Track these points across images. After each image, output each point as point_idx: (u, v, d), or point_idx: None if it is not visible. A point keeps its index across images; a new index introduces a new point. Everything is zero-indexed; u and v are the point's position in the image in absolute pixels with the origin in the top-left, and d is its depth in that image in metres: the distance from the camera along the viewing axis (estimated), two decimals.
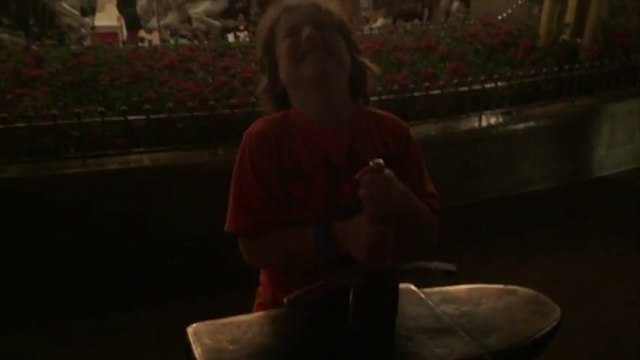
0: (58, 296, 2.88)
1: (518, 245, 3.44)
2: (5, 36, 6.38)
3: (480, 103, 4.01)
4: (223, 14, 7.83)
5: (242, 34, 7.85)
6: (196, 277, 3.04)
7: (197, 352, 1.10)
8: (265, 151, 1.32)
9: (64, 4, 7.17)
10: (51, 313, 2.76)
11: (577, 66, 4.36)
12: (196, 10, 7.55)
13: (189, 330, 1.16)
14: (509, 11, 7.16)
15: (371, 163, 1.14)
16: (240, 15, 8.08)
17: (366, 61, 1.46)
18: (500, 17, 6.85)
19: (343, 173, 1.27)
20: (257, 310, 1.41)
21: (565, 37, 4.85)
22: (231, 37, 7.49)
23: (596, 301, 2.88)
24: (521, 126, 4.13)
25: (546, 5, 5.08)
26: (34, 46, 4.88)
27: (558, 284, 2.95)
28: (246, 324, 1.19)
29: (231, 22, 7.97)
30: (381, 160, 1.15)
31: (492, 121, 4.08)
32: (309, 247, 1.26)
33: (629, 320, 2.71)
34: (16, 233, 3.03)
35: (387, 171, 1.17)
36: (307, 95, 1.37)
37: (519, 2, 7.32)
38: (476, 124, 4.01)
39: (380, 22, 8.58)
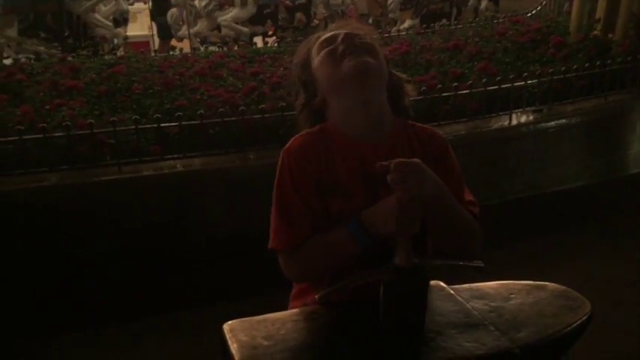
0: (97, 301, 2.96)
1: (551, 244, 3.41)
2: (41, 49, 6.56)
3: (510, 101, 3.98)
4: (251, 20, 7.91)
5: (270, 40, 7.92)
6: (232, 279, 3.09)
7: (233, 347, 1.14)
8: (304, 167, 1.35)
9: (97, 16, 7.32)
10: (92, 318, 2.84)
11: (609, 62, 4.31)
12: (225, 18, 7.63)
13: (226, 327, 1.20)
14: (539, 8, 7.09)
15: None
16: (269, 20, 8.15)
17: (403, 77, 1.50)
18: (529, 14, 6.79)
19: (381, 184, 1.25)
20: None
21: (596, 32, 4.79)
22: (259, 43, 7.58)
23: (631, 299, 2.84)
24: (552, 124, 4.09)
25: (576, 1, 5.03)
26: (69, 58, 5.02)
27: (593, 283, 2.92)
28: (280, 321, 1.23)
29: (259, 28, 8.05)
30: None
31: (523, 119, 4.05)
32: (344, 241, 1.28)
33: None
34: (54, 240, 3.12)
35: (418, 160, 1.22)
36: (346, 98, 1.38)
37: None
38: (506, 123, 3.98)
39: (408, 23, 8.56)
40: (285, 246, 1.35)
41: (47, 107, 3.56)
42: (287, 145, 1.40)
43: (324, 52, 1.40)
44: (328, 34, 1.44)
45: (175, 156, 3.39)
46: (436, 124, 3.73)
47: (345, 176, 1.35)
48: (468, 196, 1.43)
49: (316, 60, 1.42)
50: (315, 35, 1.50)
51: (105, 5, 7.58)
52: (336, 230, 1.30)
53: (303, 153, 1.36)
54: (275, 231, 1.37)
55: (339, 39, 1.39)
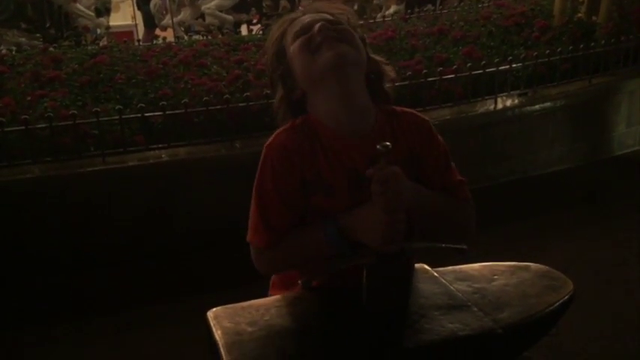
0: (83, 293, 2.94)
1: (538, 227, 3.43)
2: (23, 39, 6.47)
3: (495, 85, 3.98)
4: (236, 8, 7.85)
5: (255, 27, 7.87)
6: (219, 268, 3.08)
7: (217, 334, 1.14)
8: (287, 166, 1.31)
9: (79, 6, 7.23)
10: (76, 311, 2.81)
11: (593, 44, 4.32)
12: (209, 6, 7.57)
13: (210, 314, 1.20)
14: None
15: (378, 146, 1.16)
16: (253, 8, 8.10)
17: (382, 60, 1.43)
18: None
19: (365, 180, 1.22)
20: None
21: (580, 15, 4.80)
22: (244, 31, 7.54)
23: (617, 280, 2.87)
24: (537, 107, 4.10)
25: None
26: (51, 48, 4.95)
27: (579, 264, 2.94)
28: (264, 307, 1.23)
29: (243, 16, 7.99)
30: (387, 143, 1.17)
31: (508, 103, 4.06)
32: (320, 243, 1.27)
33: None
34: (38, 232, 3.09)
35: (395, 167, 1.19)
36: (326, 89, 1.32)
37: None
38: (491, 107, 3.99)
39: (393, 9, 8.53)
40: (263, 245, 1.34)
41: (29, 98, 3.51)
42: (270, 141, 1.35)
43: (298, 42, 1.33)
44: (302, 20, 1.37)
45: (160, 146, 3.36)
46: (421, 109, 3.73)
47: (329, 172, 1.32)
48: (457, 177, 1.42)
49: (291, 50, 1.35)
50: (287, 18, 1.42)
51: None
52: (312, 231, 1.29)
53: (287, 152, 1.31)
54: (254, 228, 1.35)
55: (315, 29, 1.32)
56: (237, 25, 7.72)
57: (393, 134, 1.35)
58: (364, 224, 1.21)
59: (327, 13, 1.38)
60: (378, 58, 1.44)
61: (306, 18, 1.37)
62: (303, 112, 1.39)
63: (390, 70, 1.44)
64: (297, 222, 1.33)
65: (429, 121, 1.44)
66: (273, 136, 1.36)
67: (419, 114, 1.46)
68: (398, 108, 1.44)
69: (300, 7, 8.25)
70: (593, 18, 4.75)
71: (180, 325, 2.60)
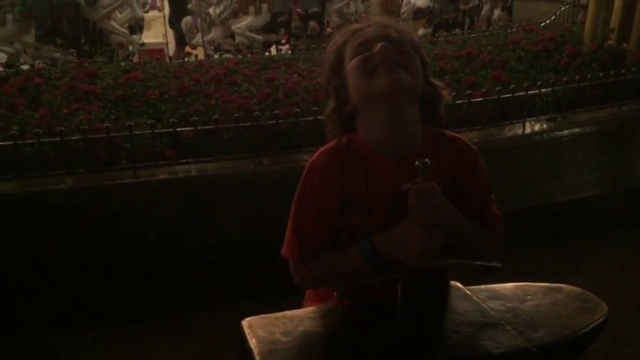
0: (109, 302, 2.98)
1: (565, 252, 3.39)
2: (57, 54, 6.63)
3: (524, 110, 3.98)
4: (265, 28, 7.95)
5: (284, 48, 7.96)
6: (244, 283, 3.10)
7: (252, 342, 1.15)
8: (328, 184, 1.32)
9: (113, 23, 7.39)
10: (101, 319, 2.85)
11: (624, 71, 4.29)
12: (239, 26, 7.67)
13: (244, 323, 1.22)
14: (553, 18, 7.08)
15: (417, 162, 1.18)
16: (282, 29, 8.19)
17: (439, 84, 1.42)
18: (543, 24, 6.79)
19: (405, 203, 1.22)
20: None
21: (611, 42, 4.78)
22: (273, 51, 7.62)
23: None
24: (566, 132, 4.08)
25: (591, 11, 5.02)
26: (85, 64, 5.07)
27: (607, 290, 2.87)
28: (298, 318, 1.24)
29: (273, 36, 8.07)
30: (427, 160, 1.18)
31: (536, 127, 4.04)
32: (355, 259, 1.29)
33: None
34: (70, 241, 3.15)
35: (432, 183, 1.20)
36: (378, 113, 1.31)
37: (562, 9, 7.23)
38: (519, 132, 3.98)
39: (420, 32, 8.57)
40: (295, 258, 1.36)
41: (65, 111, 3.60)
42: (313, 158, 1.36)
43: (356, 60, 1.32)
44: (364, 34, 1.34)
45: (190, 160, 3.41)
46: (450, 131, 3.72)
47: (368, 193, 1.32)
48: (495, 210, 1.43)
49: (349, 65, 1.34)
50: (351, 28, 1.40)
51: (121, 12, 7.65)
52: (348, 252, 1.31)
53: (329, 171, 1.33)
54: (289, 241, 1.37)
55: (376, 49, 1.30)
56: (267, 45, 7.81)
57: (437, 157, 1.33)
58: (400, 239, 1.22)
59: (393, 29, 1.36)
60: (436, 82, 1.42)
61: (369, 32, 1.35)
62: (352, 126, 1.38)
63: (446, 95, 1.44)
64: (332, 241, 1.35)
65: (475, 150, 1.43)
66: (317, 154, 1.38)
67: (467, 141, 1.44)
68: (448, 132, 1.44)
69: (329, 28, 8.34)
70: (624, 45, 4.73)
71: (203, 337, 2.62)
